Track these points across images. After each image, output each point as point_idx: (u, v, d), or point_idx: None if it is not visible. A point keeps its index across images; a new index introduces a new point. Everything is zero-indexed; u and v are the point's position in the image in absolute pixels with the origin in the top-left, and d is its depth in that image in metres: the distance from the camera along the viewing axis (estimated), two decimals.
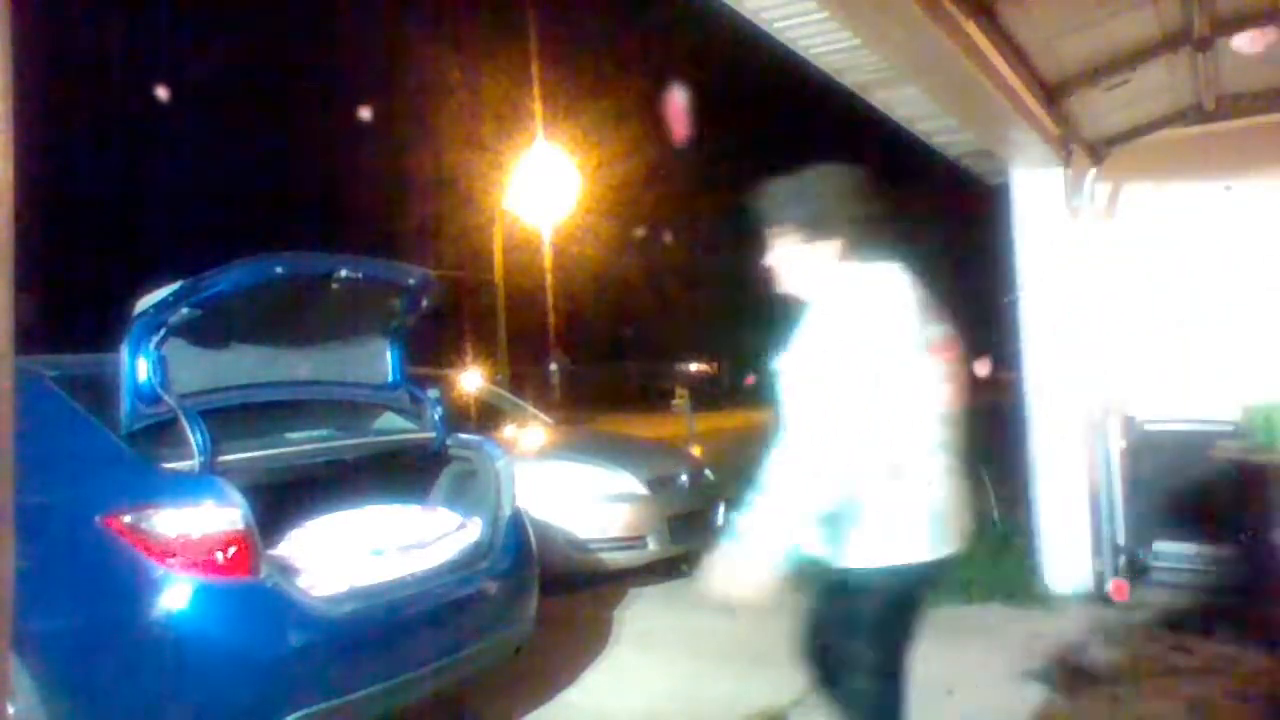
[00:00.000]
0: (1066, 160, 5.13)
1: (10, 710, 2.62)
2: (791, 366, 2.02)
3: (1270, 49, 3.77)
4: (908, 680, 2.22)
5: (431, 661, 3.20)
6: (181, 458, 2.97)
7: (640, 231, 23.11)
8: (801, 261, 2.16)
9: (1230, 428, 4.79)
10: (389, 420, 3.99)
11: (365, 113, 19.91)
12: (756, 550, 1.98)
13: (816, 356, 1.99)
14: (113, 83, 19.77)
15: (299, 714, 2.79)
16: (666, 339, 35.72)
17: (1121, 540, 5.20)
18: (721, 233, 27.16)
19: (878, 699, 2.16)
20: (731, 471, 8.36)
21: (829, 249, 2.13)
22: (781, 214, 2.17)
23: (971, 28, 3.55)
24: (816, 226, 2.13)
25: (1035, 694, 3.75)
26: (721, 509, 6.32)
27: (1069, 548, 5.15)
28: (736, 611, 2.34)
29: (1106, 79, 4.34)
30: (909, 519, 2.05)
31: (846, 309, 2.03)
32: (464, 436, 4.11)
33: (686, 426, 10.99)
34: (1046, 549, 5.23)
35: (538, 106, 16.93)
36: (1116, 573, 5.08)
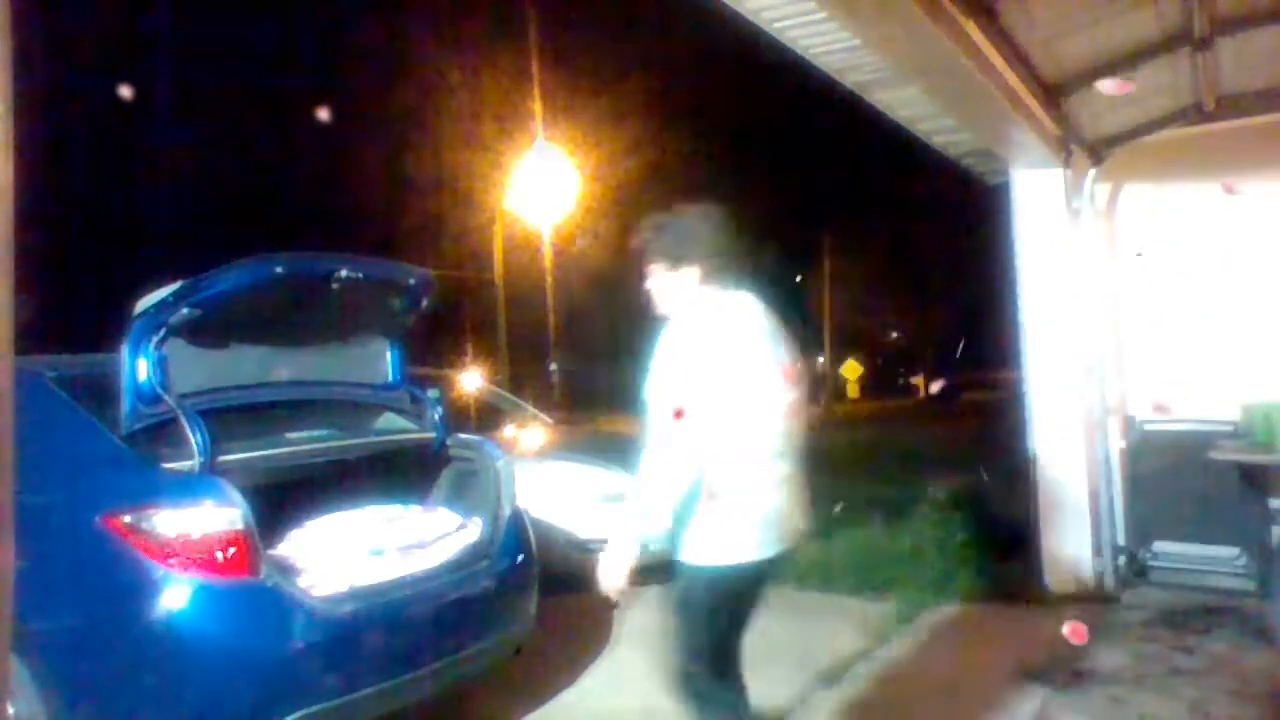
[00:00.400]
0: (1066, 160, 5.13)
1: (10, 710, 2.62)
2: (651, 378, 2.31)
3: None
4: (735, 667, 2.48)
5: (431, 661, 3.20)
6: (181, 458, 2.97)
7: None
8: (668, 287, 2.48)
9: (1230, 428, 4.79)
10: (389, 420, 3.99)
11: (365, 113, 19.90)
12: (620, 545, 2.33)
13: (668, 367, 2.28)
14: (113, 82, 19.76)
15: (299, 714, 2.79)
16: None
17: (1121, 540, 5.20)
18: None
19: (694, 679, 2.40)
20: None
21: (690, 276, 2.45)
22: (650, 246, 2.51)
23: (971, 28, 3.55)
24: (679, 257, 2.45)
25: (1035, 694, 3.75)
26: None
27: (1069, 548, 5.15)
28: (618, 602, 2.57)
29: (1106, 79, 4.33)
30: (741, 523, 2.31)
31: (698, 327, 2.34)
32: (464, 437, 4.11)
33: None
34: (1046, 549, 5.23)
35: (538, 106, 16.89)
36: (1118, 572, 5.08)
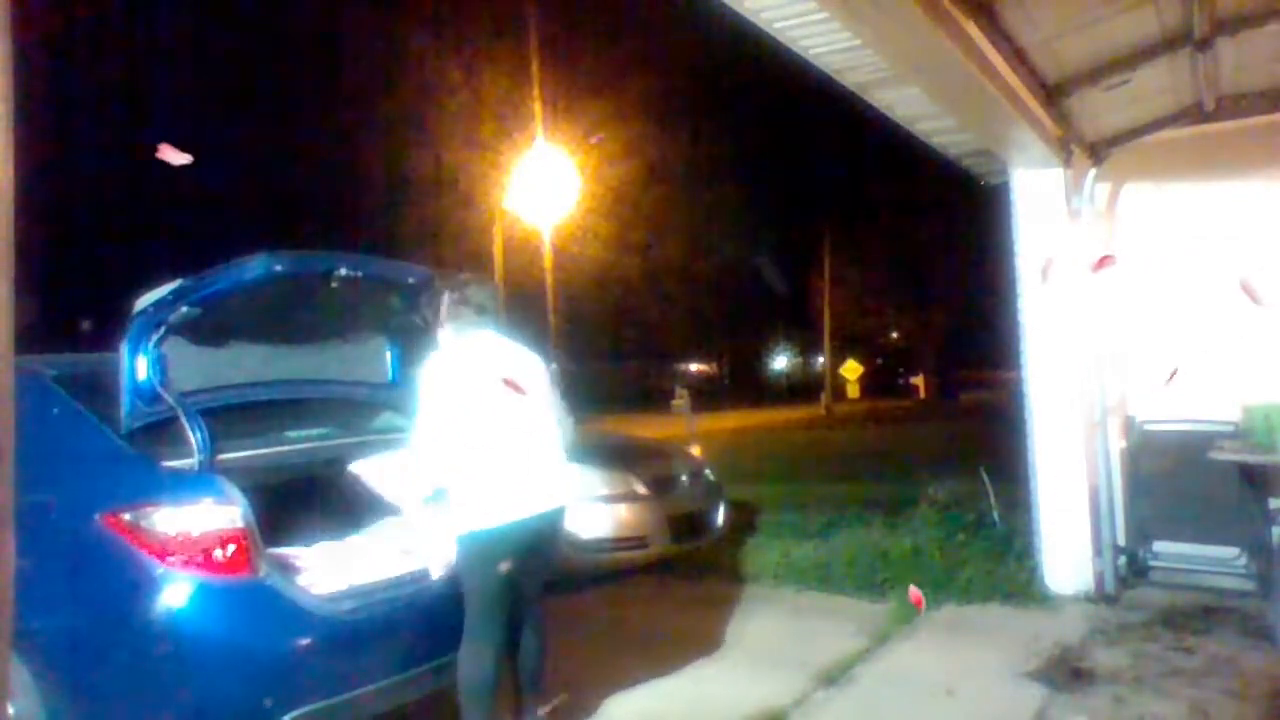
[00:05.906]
0: (1066, 160, 5.13)
1: (10, 710, 2.62)
2: (416, 395, 3.17)
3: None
4: (511, 618, 3.21)
5: (431, 660, 3.20)
6: (181, 456, 2.97)
7: (640, 232, 23.13)
8: (441, 334, 3.34)
9: (1230, 428, 4.79)
10: (389, 420, 3.99)
11: (366, 113, 19.89)
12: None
13: (424, 388, 3.11)
14: (113, 82, 19.77)
15: (298, 712, 2.79)
16: (666, 339, 35.71)
17: (1121, 540, 5.20)
18: (721, 232, 27.19)
19: (479, 630, 3.09)
20: (731, 471, 8.35)
21: (451, 327, 3.32)
22: (429, 312, 3.44)
23: (972, 28, 3.55)
24: (443, 319, 3.34)
25: (1035, 694, 3.76)
26: (722, 508, 6.31)
27: (1069, 548, 5.15)
28: None
29: (1106, 79, 4.33)
30: (492, 495, 3.04)
31: (443, 360, 3.20)
32: None
33: (686, 426, 10.98)
34: (1046, 549, 5.23)
35: (538, 106, 16.90)
36: (1118, 572, 5.08)
